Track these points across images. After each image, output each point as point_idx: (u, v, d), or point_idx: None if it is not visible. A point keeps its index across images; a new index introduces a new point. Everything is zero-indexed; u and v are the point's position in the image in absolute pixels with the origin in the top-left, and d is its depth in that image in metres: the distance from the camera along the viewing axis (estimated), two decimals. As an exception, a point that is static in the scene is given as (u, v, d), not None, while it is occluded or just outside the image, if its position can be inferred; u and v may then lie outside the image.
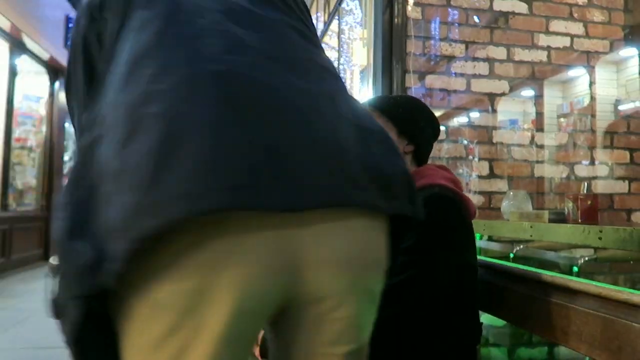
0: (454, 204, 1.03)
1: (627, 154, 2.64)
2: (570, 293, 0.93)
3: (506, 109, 2.61)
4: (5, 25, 5.39)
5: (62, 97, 7.14)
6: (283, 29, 0.72)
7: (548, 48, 2.62)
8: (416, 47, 2.51)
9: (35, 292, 4.55)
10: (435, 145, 2.50)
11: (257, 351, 1.00)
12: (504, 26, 2.59)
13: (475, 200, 2.53)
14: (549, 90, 2.68)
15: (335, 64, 5.25)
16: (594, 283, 0.90)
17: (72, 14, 7.20)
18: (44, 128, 6.81)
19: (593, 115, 2.68)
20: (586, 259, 1.79)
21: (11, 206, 5.98)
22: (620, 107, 2.70)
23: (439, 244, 1.00)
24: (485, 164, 2.55)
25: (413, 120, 1.21)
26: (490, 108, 2.58)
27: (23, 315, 3.65)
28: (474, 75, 2.56)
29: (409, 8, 2.51)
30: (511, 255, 2.15)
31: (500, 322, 2.31)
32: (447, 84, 2.55)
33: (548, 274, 1.03)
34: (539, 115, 2.66)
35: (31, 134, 6.65)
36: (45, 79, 6.82)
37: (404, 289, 0.95)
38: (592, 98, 2.69)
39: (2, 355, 2.81)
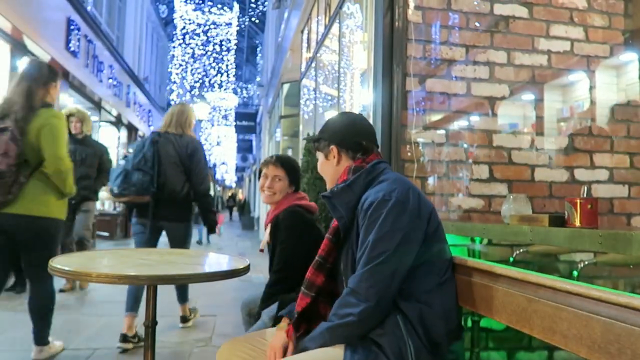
0: (298, 213, 2.14)
1: (627, 158, 2.64)
2: (570, 296, 0.93)
3: (506, 113, 2.61)
4: (7, 26, 5.40)
5: (62, 98, 7.15)
6: None
7: (548, 52, 2.62)
8: (416, 51, 2.51)
9: (34, 293, 4.53)
10: (435, 149, 2.50)
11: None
12: (504, 30, 2.59)
13: (475, 203, 2.53)
14: (549, 94, 2.69)
15: (336, 67, 5.26)
16: (595, 287, 0.90)
17: (74, 16, 7.22)
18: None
19: (593, 120, 2.68)
20: (586, 263, 1.79)
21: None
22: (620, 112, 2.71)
23: (292, 236, 2.06)
24: (485, 168, 2.55)
25: (298, 175, 2.27)
26: (490, 112, 2.59)
27: (21, 316, 3.65)
28: (474, 79, 2.57)
29: (410, 12, 2.52)
30: (511, 259, 2.14)
31: (500, 325, 2.30)
32: (447, 87, 2.55)
33: (548, 278, 1.03)
34: (539, 119, 2.67)
35: (31, 136, 6.63)
36: (45, 80, 6.81)
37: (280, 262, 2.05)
38: (592, 102, 2.69)
39: (0, 356, 2.81)
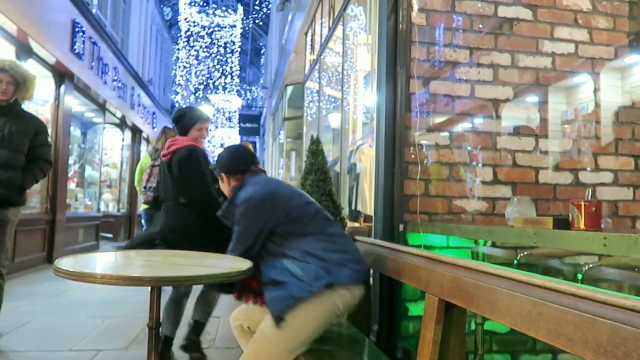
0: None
1: (632, 160, 2.63)
2: (576, 299, 0.93)
3: (510, 115, 2.61)
4: (12, 28, 5.43)
5: (67, 100, 7.19)
6: None
7: (552, 54, 2.62)
8: (420, 53, 2.52)
9: (38, 295, 4.55)
10: (439, 151, 2.50)
11: None
12: (508, 32, 2.59)
13: (479, 205, 2.53)
14: (553, 97, 2.68)
15: (339, 69, 5.27)
16: (601, 290, 0.90)
17: (79, 18, 7.26)
18: (49, 131, 6.83)
19: (597, 122, 2.67)
20: (590, 265, 1.78)
21: (15, 209, 5.99)
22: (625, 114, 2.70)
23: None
24: (489, 170, 2.55)
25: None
26: (494, 114, 2.58)
27: (26, 318, 3.66)
28: (478, 81, 2.57)
29: (414, 14, 2.52)
30: (515, 262, 2.14)
31: (504, 328, 2.30)
32: (451, 89, 2.55)
33: (553, 280, 1.02)
34: (543, 121, 2.66)
35: (36, 137, 6.68)
36: (51, 82, 6.85)
37: None
38: (597, 104, 2.68)
39: (5, 358, 2.82)
